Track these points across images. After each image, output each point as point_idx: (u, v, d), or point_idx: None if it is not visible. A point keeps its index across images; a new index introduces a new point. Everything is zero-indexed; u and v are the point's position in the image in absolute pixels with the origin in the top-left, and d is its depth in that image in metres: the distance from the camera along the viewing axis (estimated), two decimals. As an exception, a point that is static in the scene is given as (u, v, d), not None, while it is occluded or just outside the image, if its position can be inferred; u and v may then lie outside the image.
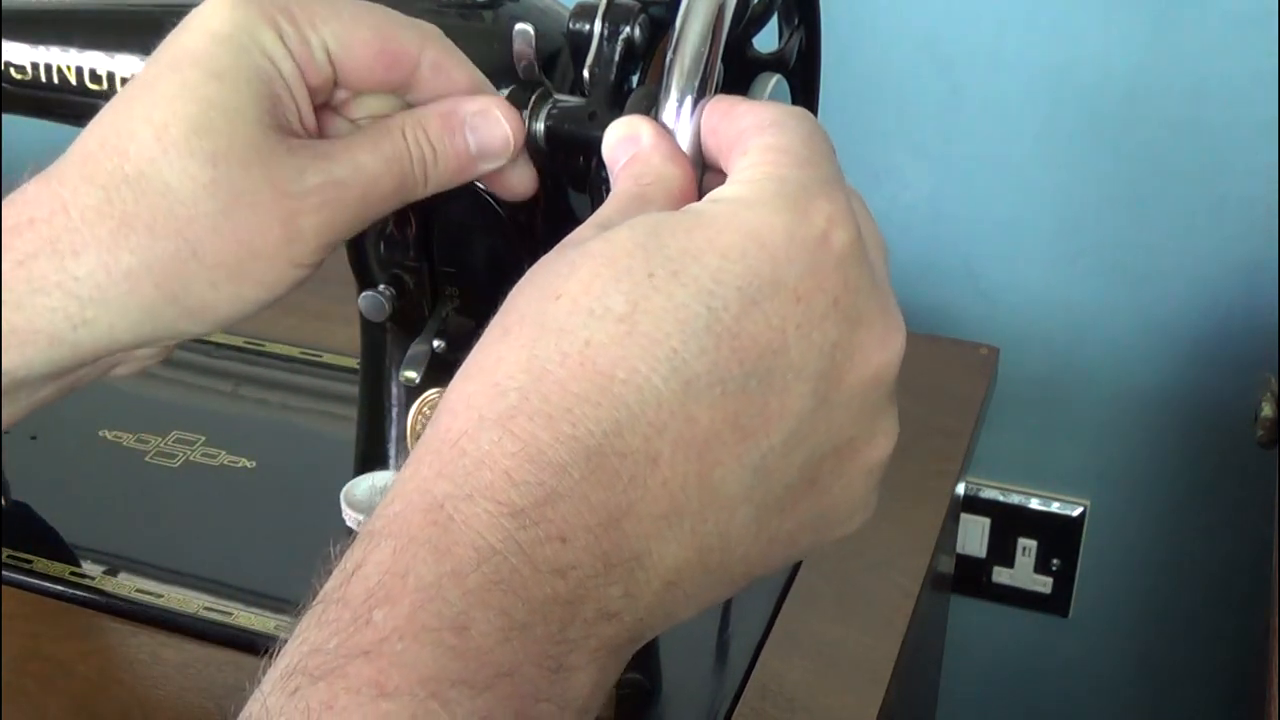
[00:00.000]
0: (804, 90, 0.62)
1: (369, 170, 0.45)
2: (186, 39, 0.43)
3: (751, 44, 0.56)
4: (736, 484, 0.33)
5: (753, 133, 0.39)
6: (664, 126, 0.42)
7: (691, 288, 0.33)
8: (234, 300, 0.44)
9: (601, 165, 0.52)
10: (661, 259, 0.33)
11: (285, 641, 0.32)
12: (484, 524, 0.31)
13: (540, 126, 0.52)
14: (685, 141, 0.44)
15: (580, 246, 0.35)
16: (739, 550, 0.34)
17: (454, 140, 0.47)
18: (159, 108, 0.42)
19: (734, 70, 0.53)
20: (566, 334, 0.33)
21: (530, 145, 0.52)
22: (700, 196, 0.39)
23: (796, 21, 0.59)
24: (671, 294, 0.33)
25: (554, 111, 0.52)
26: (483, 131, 0.47)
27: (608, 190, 0.53)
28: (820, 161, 0.37)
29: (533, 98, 0.52)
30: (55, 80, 0.57)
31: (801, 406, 0.34)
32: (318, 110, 0.46)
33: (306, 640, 0.31)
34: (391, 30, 0.46)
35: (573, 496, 0.31)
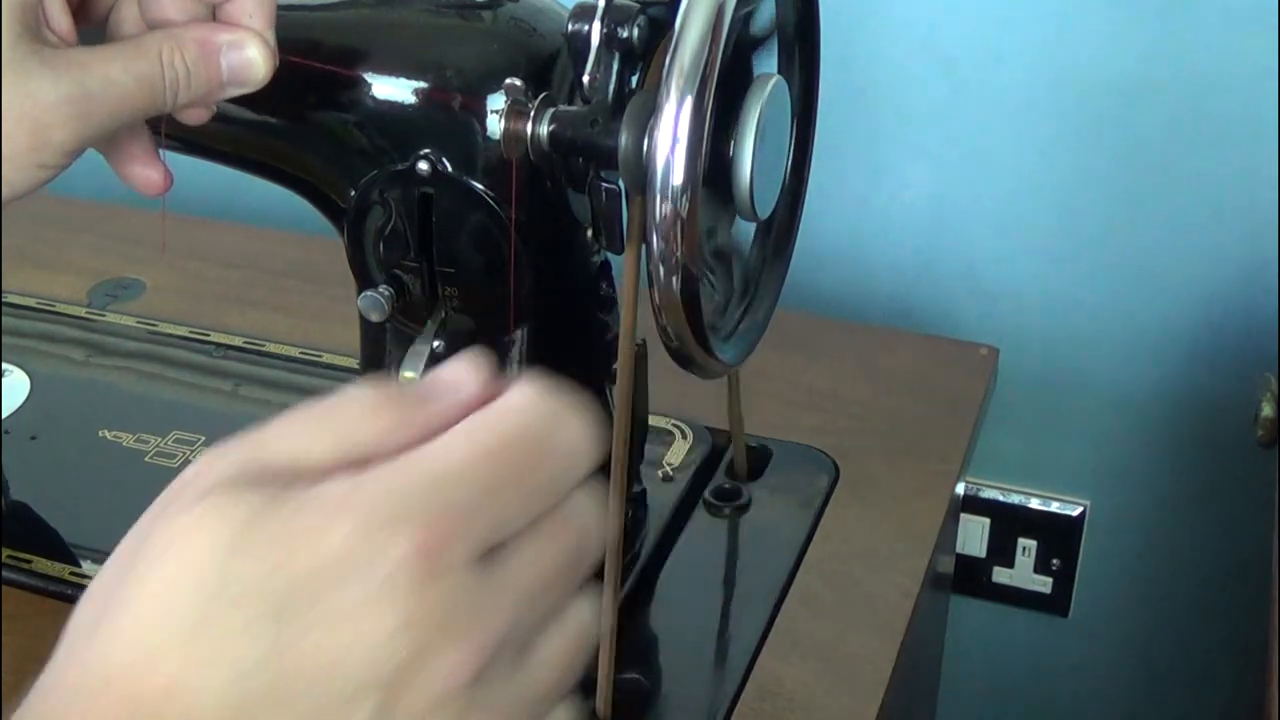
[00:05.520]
0: (804, 89, 0.62)
1: (120, 86, 0.47)
2: None
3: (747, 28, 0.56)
4: None
5: None
6: None
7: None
8: None
9: (601, 167, 0.53)
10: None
11: None
12: None
13: (544, 130, 0.52)
14: (684, 144, 0.44)
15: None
16: None
17: (209, 66, 0.49)
18: None
19: (731, 64, 0.53)
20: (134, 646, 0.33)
21: (534, 147, 0.52)
22: None
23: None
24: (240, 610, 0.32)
25: (557, 116, 0.52)
26: (236, 60, 0.49)
27: (606, 192, 0.53)
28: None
29: (535, 103, 0.52)
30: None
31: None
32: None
33: None
34: None
35: None
